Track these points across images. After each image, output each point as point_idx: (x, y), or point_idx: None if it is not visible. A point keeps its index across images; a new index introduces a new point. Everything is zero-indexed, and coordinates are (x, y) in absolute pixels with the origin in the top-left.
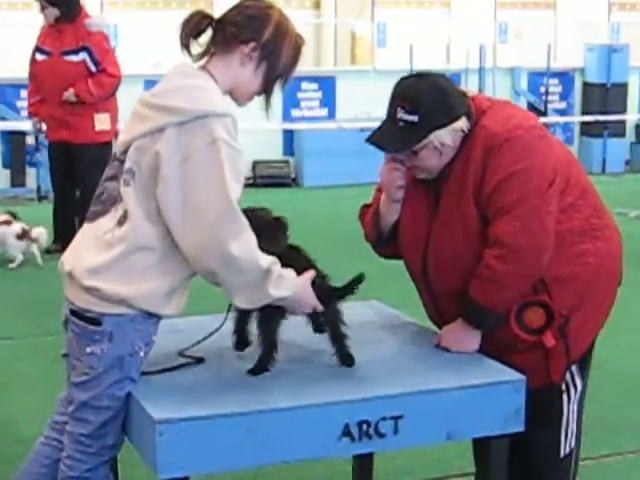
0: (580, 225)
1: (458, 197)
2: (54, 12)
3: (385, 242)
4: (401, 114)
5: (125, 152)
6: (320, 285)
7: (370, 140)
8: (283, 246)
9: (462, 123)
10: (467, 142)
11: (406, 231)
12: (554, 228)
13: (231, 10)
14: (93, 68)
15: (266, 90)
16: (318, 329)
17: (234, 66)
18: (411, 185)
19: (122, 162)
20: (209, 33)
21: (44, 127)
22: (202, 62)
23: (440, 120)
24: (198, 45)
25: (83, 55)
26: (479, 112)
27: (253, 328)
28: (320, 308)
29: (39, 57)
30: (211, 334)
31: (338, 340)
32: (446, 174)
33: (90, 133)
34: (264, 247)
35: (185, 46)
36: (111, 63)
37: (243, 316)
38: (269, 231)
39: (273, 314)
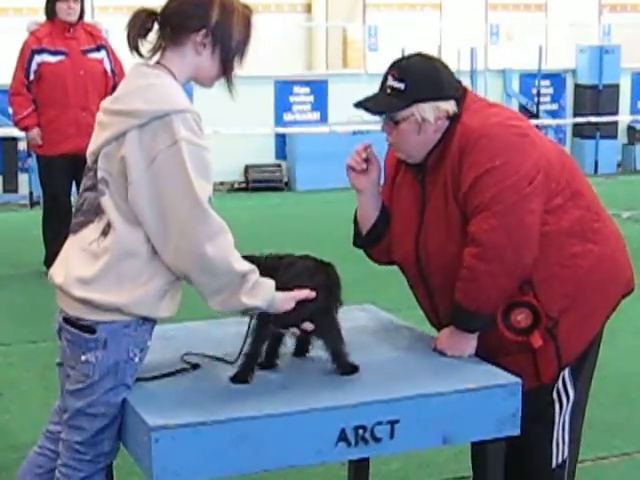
0: (569, 226)
1: (441, 192)
2: (79, 8)
3: (367, 241)
4: (390, 81)
5: (96, 162)
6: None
7: (358, 103)
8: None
9: (449, 106)
10: (447, 137)
11: (396, 226)
12: (538, 227)
13: (172, 1)
14: (108, 69)
15: (226, 71)
16: (298, 353)
17: (189, 56)
18: (398, 183)
19: (95, 172)
20: (156, 28)
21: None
22: (156, 58)
23: (426, 92)
24: (148, 42)
25: (103, 54)
26: (464, 108)
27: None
28: (310, 327)
29: (51, 59)
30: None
31: (338, 356)
32: (428, 168)
33: None
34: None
35: (134, 48)
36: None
37: (274, 339)
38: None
39: (265, 327)
